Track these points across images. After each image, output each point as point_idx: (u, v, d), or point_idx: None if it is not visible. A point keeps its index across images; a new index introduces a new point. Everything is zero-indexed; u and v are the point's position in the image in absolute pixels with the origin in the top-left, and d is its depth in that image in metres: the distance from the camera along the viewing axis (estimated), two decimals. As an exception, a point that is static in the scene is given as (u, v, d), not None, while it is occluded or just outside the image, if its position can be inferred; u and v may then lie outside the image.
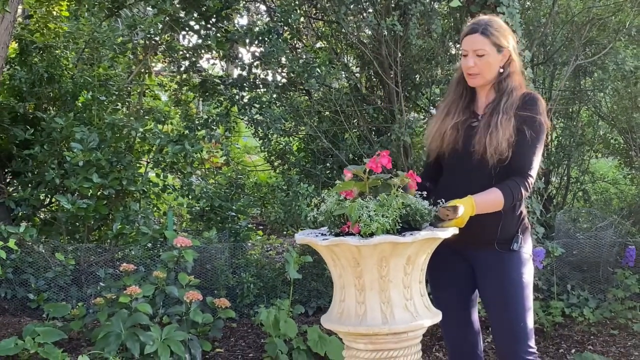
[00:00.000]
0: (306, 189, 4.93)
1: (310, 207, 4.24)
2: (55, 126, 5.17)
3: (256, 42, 5.49)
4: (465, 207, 2.46)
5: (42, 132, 5.32)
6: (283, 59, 5.42)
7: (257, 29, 5.48)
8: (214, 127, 5.62)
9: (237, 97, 5.62)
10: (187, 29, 5.77)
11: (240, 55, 6.27)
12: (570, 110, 6.36)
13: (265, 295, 5.06)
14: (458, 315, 2.87)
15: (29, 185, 5.44)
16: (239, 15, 6.81)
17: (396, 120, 5.14)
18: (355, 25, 5.51)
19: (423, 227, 2.37)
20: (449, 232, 2.39)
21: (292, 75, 5.46)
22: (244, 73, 5.70)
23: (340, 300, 2.43)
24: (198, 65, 6.07)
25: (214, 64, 6.75)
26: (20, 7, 5.34)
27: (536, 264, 4.25)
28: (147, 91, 6.33)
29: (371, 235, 2.25)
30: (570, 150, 6.11)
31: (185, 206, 5.99)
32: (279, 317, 4.17)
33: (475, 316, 2.92)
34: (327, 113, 5.80)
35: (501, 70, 2.73)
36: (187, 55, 5.96)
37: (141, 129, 5.29)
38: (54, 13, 6.09)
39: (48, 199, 5.69)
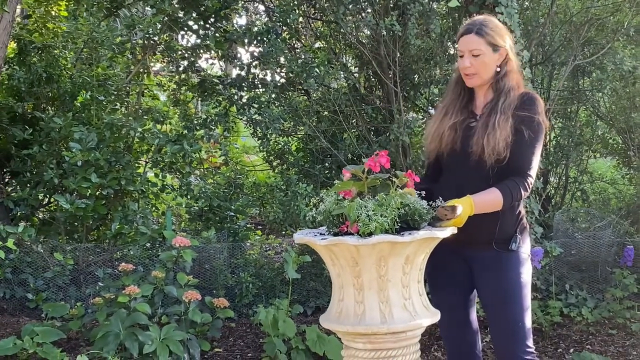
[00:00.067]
0: (305, 188, 4.93)
1: (308, 207, 4.22)
2: (54, 126, 5.16)
3: (255, 42, 5.49)
4: (464, 207, 2.46)
5: (41, 132, 5.32)
6: (282, 59, 5.43)
7: (255, 28, 5.48)
8: (213, 127, 5.62)
9: (235, 97, 5.63)
10: (185, 28, 5.76)
11: (239, 55, 6.27)
12: (569, 110, 6.37)
13: (264, 295, 5.06)
14: (457, 315, 2.87)
15: (28, 185, 5.44)
16: (237, 15, 6.80)
17: (395, 120, 5.14)
18: (353, 25, 5.51)
19: (422, 226, 2.38)
20: (447, 231, 2.40)
21: (291, 75, 5.47)
22: (243, 73, 5.70)
23: (338, 299, 2.43)
24: (197, 65, 6.07)
25: (212, 63, 6.75)
26: (18, 7, 5.34)
27: (534, 263, 4.24)
28: (145, 91, 6.34)
29: (370, 234, 2.25)
30: (569, 150, 6.11)
31: (183, 206, 5.99)
32: (278, 317, 4.17)
33: (473, 316, 2.93)
34: (326, 113, 5.80)
35: (498, 70, 2.73)
36: (186, 55, 5.96)
37: (140, 129, 5.30)
38: (53, 13, 6.08)
39: (47, 199, 5.68)
